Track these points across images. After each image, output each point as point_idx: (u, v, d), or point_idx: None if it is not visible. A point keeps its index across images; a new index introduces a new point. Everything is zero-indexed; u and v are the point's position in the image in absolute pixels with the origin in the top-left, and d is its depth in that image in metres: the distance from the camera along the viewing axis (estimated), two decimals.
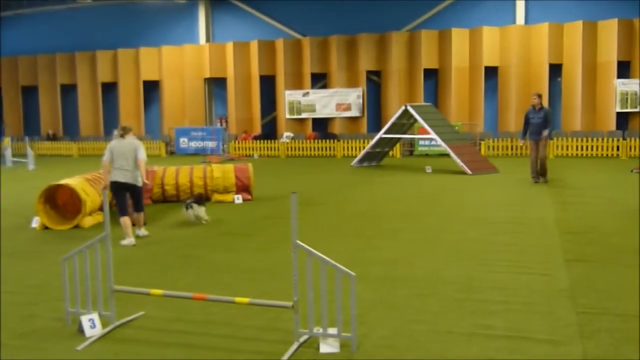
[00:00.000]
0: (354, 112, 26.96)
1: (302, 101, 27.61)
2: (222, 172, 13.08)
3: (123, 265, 7.48)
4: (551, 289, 6.32)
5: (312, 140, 26.09)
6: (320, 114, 27.44)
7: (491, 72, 25.33)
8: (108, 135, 28.32)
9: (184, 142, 27.46)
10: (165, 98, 29.94)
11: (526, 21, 25.06)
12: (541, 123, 14.53)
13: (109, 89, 31.25)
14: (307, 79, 27.73)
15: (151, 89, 30.59)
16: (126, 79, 30.47)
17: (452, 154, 17.45)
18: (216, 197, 12.90)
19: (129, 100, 30.48)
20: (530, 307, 5.76)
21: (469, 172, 16.79)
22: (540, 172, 14.85)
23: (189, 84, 29.61)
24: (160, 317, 5.63)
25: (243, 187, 13.08)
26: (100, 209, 10.45)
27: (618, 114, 23.73)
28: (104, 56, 30.86)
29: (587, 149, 22.36)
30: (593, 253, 7.81)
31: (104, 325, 5.30)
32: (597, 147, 22.30)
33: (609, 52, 23.59)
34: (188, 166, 13.48)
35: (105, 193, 5.67)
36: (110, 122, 30.37)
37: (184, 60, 29.49)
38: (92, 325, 5.21)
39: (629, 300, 5.89)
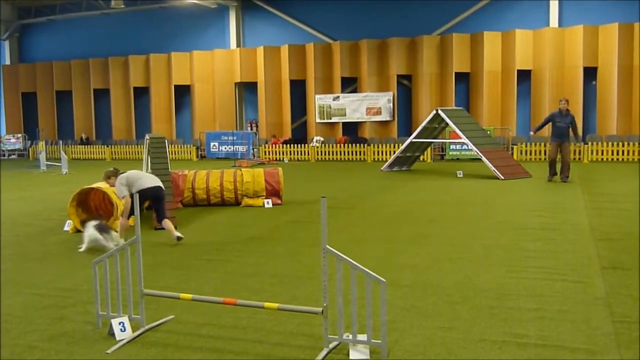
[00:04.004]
0: (385, 117, 26.85)
1: (332, 105, 27.59)
2: (252, 177, 13.11)
3: (153, 269, 7.52)
4: (586, 297, 6.17)
5: (342, 145, 26.05)
6: (351, 118, 27.39)
7: (524, 76, 25.01)
8: (140, 139, 28.66)
9: (214, 146, 27.63)
10: (196, 102, 30.19)
11: (560, 23, 24.70)
12: (567, 127, 15.46)
13: (141, 94, 31.65)
14: (338, 83, 27.72)
15: (182, 93, 30.89)
16: (158, 84, 30.81)
17: (484, 159, 17.24)
18: (246, 201, 12.93)
19: (161, 104, 30.82)
20: (565, 315, 5.62)
21: (501, 177, 16.57)
22: (565, 173, 15.60)
23: (219, 88, 29.82)
24: (189, 321, 5.63)
25: (273, 192, 13.08)
26: (132, 213, 10.53)
27: None
28: (136, 61, 31.26)
29: (623, 154, 21.91)
30: (629, 260, 7.61)
31: (134, 328, 5.32)
32: (633, 151, 21.84)
33: None
34: (218, 170, 13.53)
35: (136, 197, 5.69)
36: (142, 127, 30.75)
37: (214, 65, 29.72)
38: (122, 328, 5.23)
39: None
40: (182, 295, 5.44)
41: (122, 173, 9.28)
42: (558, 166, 15.86)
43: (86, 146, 31.24)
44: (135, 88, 31.57)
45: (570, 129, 15.71)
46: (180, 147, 28.77)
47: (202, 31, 30.91)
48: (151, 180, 9.32)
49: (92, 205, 11.13)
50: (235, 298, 5.57)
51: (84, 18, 32.67)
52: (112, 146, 30.70)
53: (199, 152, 28.35)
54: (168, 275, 7.39)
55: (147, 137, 12.99)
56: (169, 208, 10.96)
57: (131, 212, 9.01)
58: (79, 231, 10.33)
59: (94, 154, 30.47)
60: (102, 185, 10.60)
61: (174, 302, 5.93)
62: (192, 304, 5.83)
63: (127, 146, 30.36)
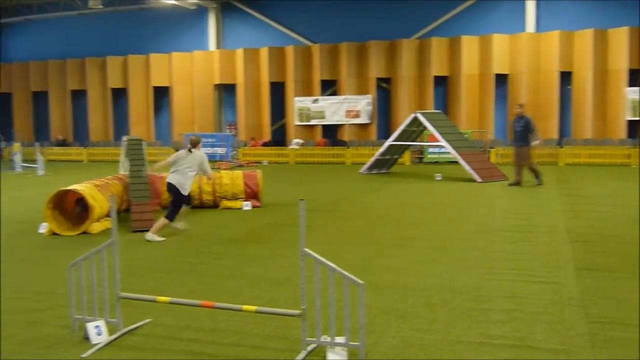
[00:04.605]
0: (364, 119, 26.93)
1: (311, 108, 27.62)
2: (231, 179, 13.08)
3: (130, 272, 7.47)
4: (561, 298, 6.25)
5: (321, 147, 26.09)
6: (330, 120, 27.45)
7: (501, 80, 25.27)
8: (118, 140, 28.44)
9: None
10: (175, 104, 30.04)
11: (536, 29, 25.00)
12: (522, 131, 15.56)
13: (119, 95, 31.43)
14: (317, 86, 27.76)
15: (161, 95, 30.72)
16: (136, 85, 30.61)
17: (462, 162, 17.37)
18: (225, 203, 12.89)
19: (139, 106, 30.62)
20: (540, 316, 5.69)
21: (479, 179, 16.71)
22: (535, 176, 15.82)
23: (198, 90, 29.71)
24: (167, 324, 5.59)
25: (252, 194, 13.06)
26: (108, 215, 10.46)
27: (629, 122, 23.58)
28: (114, 62, 31.04)
29: (597, 157, 22.21)
30: (604, 262, 7.72)
31: (110, 332, 5.28)
32: (607, 155, 22.16)
33: (620, 60, 23.48)
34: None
35: (113, 199, 5.64)
36: (121, 128, 30.52)
37: (193, 66, 29.61)
38: (98, 332, 5.18)
39: None
40: (160, 298, 5.41)
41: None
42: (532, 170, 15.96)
43: (63, 147, 30.90)
44: (113, 89, 31.34)
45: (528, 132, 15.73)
46: (159, 149, 28.58)
47: (181, 32, 30.77)
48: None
49: (69, 208, 11.02)
50: (213, 301, 5.55)
51: (61, 18, 32.35)
52: (90, 148, 30.40)
53: None
54: (146, 278, 7.35)
55: (124, 138, 12.90)
56: (147, 210, 10.90)
57: (108, 214, 9.15)
58: (55, 234, 10.22)
59: (71, 155, 30.14)
60: (79, 187, 10.50)
61: (152, 305, 5.89)
62: (170, 306, 5.79)
63: (105, 148, 30.08)
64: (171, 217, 9.84)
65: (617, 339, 5.08)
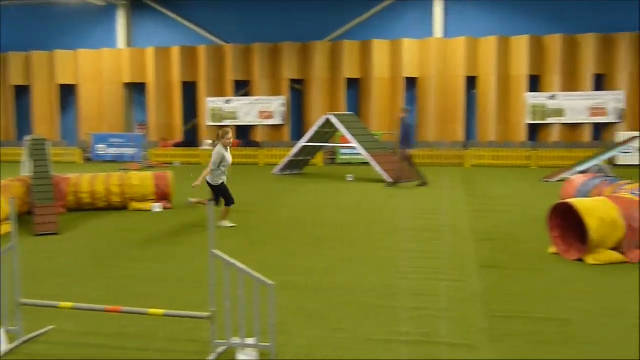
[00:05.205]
0: (277, 120, 26.97)
1: (224, 108, 27.38)
2: (141, 180, 12.79)
3: (33, 277, 7.17)
4: (465, 294, 6.51)
5: (234, 148, 25.91)
6: (243, 121, 27.30)
7: (411, 83, 25.92)
8: (21, 140, 27.18)
9: (101, 148, 26.66)
10: (82, 103, 29.02)
11: (444, 35, 25.80)
12: (403, 134, 16.34)
13: (22, 93, 30.02)
14: (230, 86, 27.55)
15: (67, 93, 29.58)
16: (40, 83, 29.34)
17: (373, 163, 17.71)
18: (134, 205, 12.59)
19: (43, 104, 29.37)
20: (445, 312, 5.90)
21: (390, 180, 17.07)
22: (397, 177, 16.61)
23: (107, 88, 28.82)
24: (71, 330, 5.42)
25: (162, 195, 12.82)
26: (8, 218, 10.00)
27: (529, 125, 24.77)
28: (16, 58, 29.63)
29: (500, 159, 23.21)
30: (505, 259, 8.10)
31: (10, 340, 5.06)
32: (509, 156, 23.20)
33: (521, 66, 24.62)
34: (105, 173, 13.10)
35: (12, 202, 5.40)
36: (24, 128, 29.18)
37: (102, 64, 28.69)
38: None
39: (539, 304, 6.14)
40: (62, 303, 5.24)
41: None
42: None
43: None
44: (15, 87, 29.91)
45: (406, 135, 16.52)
46: (65, 150, 27.52)
47: (89, 29, 29.75)
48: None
49: None
50: (122, 305, 5.43)
51: None
52: None
53: (85, 155, 27.24)
54: (50, 283, 7.08)
55: (27, 139, 12.37)
56: (51, 213, 10.48)
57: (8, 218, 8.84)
58: None
59: None
60: None
61: (56, 312, 5.69)
62: (74, 312, 5.61)
63: (7, 148, 28.63)
64: (229, 202, 10.51)
65: (516, 333, 5.35)
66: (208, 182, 10.34)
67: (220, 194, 10.47)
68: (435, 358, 4.82)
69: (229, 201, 10.51)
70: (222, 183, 10.41)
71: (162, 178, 12.97)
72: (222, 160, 10.30)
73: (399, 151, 16.63)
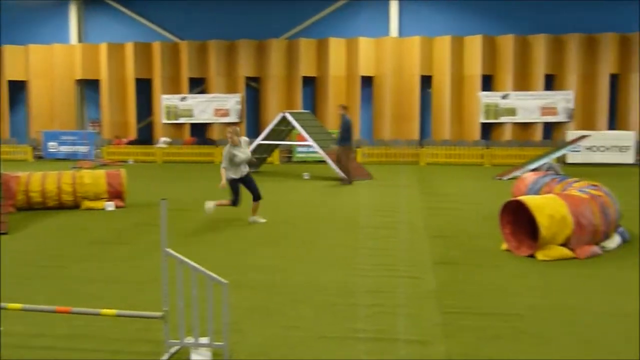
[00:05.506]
0: (233, 118, 26.76)
1: (179, 106, 27.05)
2: (93, 178, 12.55)
3: None
4: (419, 291, 6.58)
5: (190, 146, 25.66)
6: (199, 119, 27.02)
7: (367, 82, 26.06)
8: None
9: (53, 146, 26.07)
10: (33, 99, 28.29)
11: (399, 34, 26.02)
12: (342, 132, 16.53)
13: None
14: (185, 84, 27.22)
15: (17, 89, 28.80)
16: None
17: (329, 161, 17.74)
18: (86, 204, 12.34)
19: None
20: (400, 309, 5.96)
21: (344, 178, 17.12)
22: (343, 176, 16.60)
23: (59, 85, 28.15)
24: (20, 332, 5.29)
25: (115, 194, 12.60)
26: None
27: (482, 124, 25.19)
28: None
29: (454, 157, 23.54)
30: (459, 256, 8.22)
31: None
32: (463, 155, 23.56)
33: (474, 66, 24.99)
34: (56, 172, 12.81)
35: None
36: None
37: (53, 60, 28.01)
38: None
39: (491, 300, 6.25)
40: (10, 305, 5.11)
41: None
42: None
43: None
44: None
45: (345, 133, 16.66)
46: (15, 147, 26.81)
47: (40, 24, 29.00)
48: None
49: None
50: (73, 306, 5.32)
51: None
52: None
53: (36, 153, 26.59)
54: None
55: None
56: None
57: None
58: None
59: None
60: None
61: (4, 313, 5.51)
62: (23, 314, 5.47)
63: None
64: (235, 201, 10.79)
65: (468, 328, 5.44)
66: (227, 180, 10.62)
67: (233, 190, 10.70)
68: (390, 354, 4.86)
69: (235, 201, 10.74)
70: (233, 179, 10.62)
71: (115, 176, 12.75)
72: (233, 157, 10.49)
73: (339, 149, 16.66)
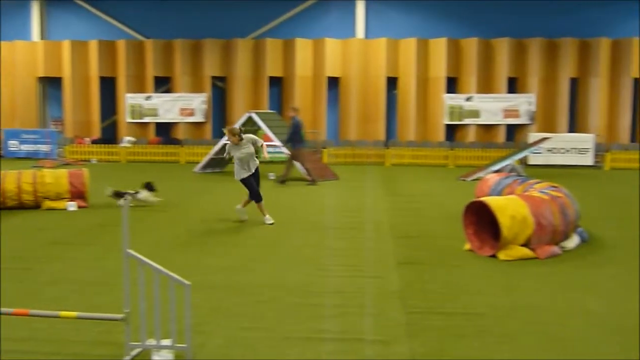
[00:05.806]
0: (198, 118, 26.60)
1: (144, 105, 26.77)
2: (55, 178, 12.33)
3: None
4: (383, 291, 6.62)
5: (154, 145, 25.41)
6: (164, 118, 26.78)
7: (333, 83, 26.14)
8: None
9: (14, 144, 25.57)
10: None
11: (366, 35, 26.16)
12: (291, 133, 16.71)
13: None
14: (150, 83, 26.96)
15: None
16: None
17: (295, 162, 17.71)
18: (47, 204, 12.13)
19: None
20: (364, 309, 5.99)
21: (310, 179, 17.14)
22: (284, 175, 16.87)
23: (20, 82, 27.61)
24: None
25: (77, 194, 12.41)
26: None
27: (446, 125, 25.48)
28: None
29: (419, 158, 23.75)
30: (423, 256, 8.30)
31: None
32: (428, 156, 23.79)
33: (439, 68, 25.29)
34: (16, 171, 12.56)
35: None
36: None
37: (14, 57, 27.47)
38: None
39: (454, 299, 6.32)
40: None
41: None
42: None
43: None
44: None
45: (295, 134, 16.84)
46: None
47: (1, 20, 28.40)
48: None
49: None
50: (32, 308, 5.23)
51: None
52: None
53: None
54: None
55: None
56: None
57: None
58: None
59: None
60: None
61: None
62: None
63: None
64: (253, 197, 10.78)
65: (432, 327, 5.49)
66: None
67: (247, 187, 10.73)
68: (354, 354, 4.89)
69: (253, 196, 10.75)
70: (244, 178, 10.62)
71: (77, 176, 12.55)
72: (232, 156, 10.66)
73: (292, 151, 16.75)
